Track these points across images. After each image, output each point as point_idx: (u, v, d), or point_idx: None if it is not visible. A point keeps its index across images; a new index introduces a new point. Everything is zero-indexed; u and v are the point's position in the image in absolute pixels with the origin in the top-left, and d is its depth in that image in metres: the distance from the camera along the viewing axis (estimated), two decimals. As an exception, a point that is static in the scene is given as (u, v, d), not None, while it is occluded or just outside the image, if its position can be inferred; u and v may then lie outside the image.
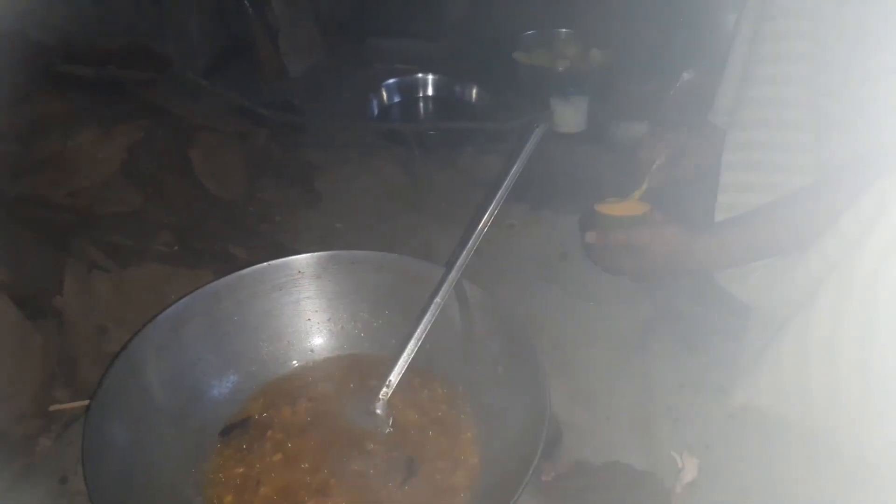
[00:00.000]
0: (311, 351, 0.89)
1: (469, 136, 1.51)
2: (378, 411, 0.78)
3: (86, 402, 0.84)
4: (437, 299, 0.79)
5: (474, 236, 0.81)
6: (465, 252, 0.81)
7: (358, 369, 0.86)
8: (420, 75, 1.64)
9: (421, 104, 1.61)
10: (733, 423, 0.93)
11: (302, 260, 0.87)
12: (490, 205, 0.82)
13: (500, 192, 0.82)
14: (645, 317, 1.11)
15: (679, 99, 1.44)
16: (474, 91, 1.60)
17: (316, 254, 0.87)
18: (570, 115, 1.46)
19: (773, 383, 0.88)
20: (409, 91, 1.63)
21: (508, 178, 0.82)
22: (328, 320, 0.89)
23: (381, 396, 0.78)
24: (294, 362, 0.88)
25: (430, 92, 1.64)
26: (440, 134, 1.51)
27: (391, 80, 1.62)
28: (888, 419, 0.80)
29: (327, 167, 1.45)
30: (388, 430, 0.77)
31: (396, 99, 1.62)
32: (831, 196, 0.85)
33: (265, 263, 0.86)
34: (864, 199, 0.82)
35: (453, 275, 0.80)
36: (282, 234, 1.27)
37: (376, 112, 1.58)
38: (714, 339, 1.04)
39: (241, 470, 0.75)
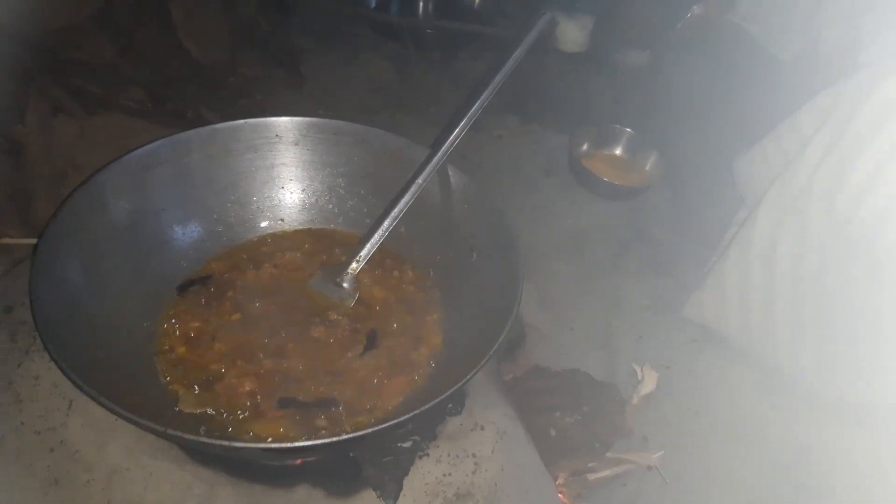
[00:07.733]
0: (282, 220, 0.85)
1: (466, 40, 1.45)
2: (345, 284, 0.75)
3: (35, 241, 0.80)
4: (419, 180, 0.76)
5: (466, 117, 0.77)
6: (453, 134, 0.77)
7: (328, 243, 0.83)
8: (424, -31, 1.54)
9: (421, 1, 1.52)
10: (694, 347, 0.93)
11: (281, 123, 0.82)
12: (487, 87, 0.78)
13: (499, 75, 0.78)
14: (620, 238, 1.10)
15: (685, 33, 1.39)
16: (478, -7, 1.53)
17: (296, 118, 0.82)
18: (573, 33, 1.41)
19: (716, 297, 0.90)
20: (411, -15, 1.54)
21: (510, 62, 0.77)
22: (302, 191, 0.86)
23: (349, 270, 0.76)
24: (262, 229, 0.84)
25: (431, -11, 1.55)
26: (437, 34, 1.44)
27: (393, -29, 1.53)
28: (820, 340, 0.81)
29: (316, 52, 1.39)
30: (352, 304, 0.75)
31: (396, -7, 1.54)
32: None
33: (241, 121, 0.82)
34: (804, 113, 0.81)
35: (438, 156, 0.77)
36: (261, 112, 1.19)
37: (374, 4, 1.50)
38: (684, 265, 1.04)
39: (196, 324, 0.72)
